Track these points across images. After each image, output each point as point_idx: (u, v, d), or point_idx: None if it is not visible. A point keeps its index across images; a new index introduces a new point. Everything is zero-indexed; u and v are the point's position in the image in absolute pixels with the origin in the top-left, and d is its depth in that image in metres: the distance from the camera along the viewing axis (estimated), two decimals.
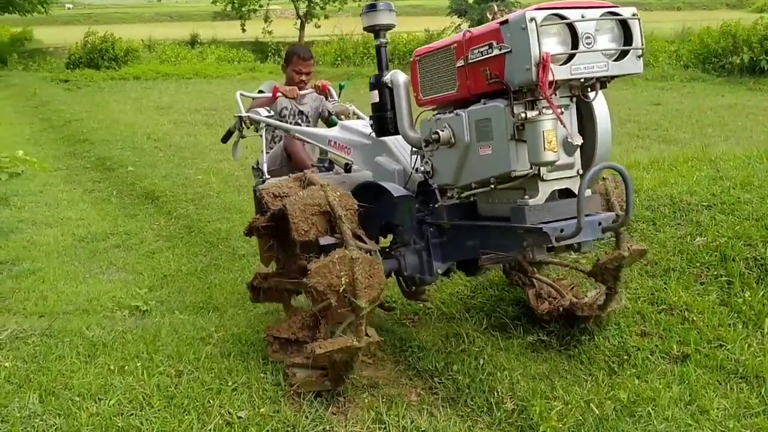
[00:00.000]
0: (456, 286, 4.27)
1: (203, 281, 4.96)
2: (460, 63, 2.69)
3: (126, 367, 3.34)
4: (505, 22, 2.48)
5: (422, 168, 3.02)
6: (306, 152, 4.53)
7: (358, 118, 4.36)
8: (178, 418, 2.92)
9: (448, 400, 3.16)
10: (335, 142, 3.82)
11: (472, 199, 2.99)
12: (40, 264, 5.32)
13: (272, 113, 4.30)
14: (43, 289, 4.74)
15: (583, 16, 2.47)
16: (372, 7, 3.30)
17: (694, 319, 3.60)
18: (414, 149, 3.18)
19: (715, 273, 3.90)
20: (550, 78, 2.37)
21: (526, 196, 2.65)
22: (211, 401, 3.04)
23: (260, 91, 4.70)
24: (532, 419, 2.95)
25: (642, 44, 2.60)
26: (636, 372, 3.27)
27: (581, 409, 2.99)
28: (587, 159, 2.72)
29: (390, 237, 3.43)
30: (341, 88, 4.74)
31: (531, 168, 2.58)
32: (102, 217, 6.84)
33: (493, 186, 2.71)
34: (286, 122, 4.66)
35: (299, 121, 4.76)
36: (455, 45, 2.73)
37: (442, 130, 2.79)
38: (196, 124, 12.15)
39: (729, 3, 42.91)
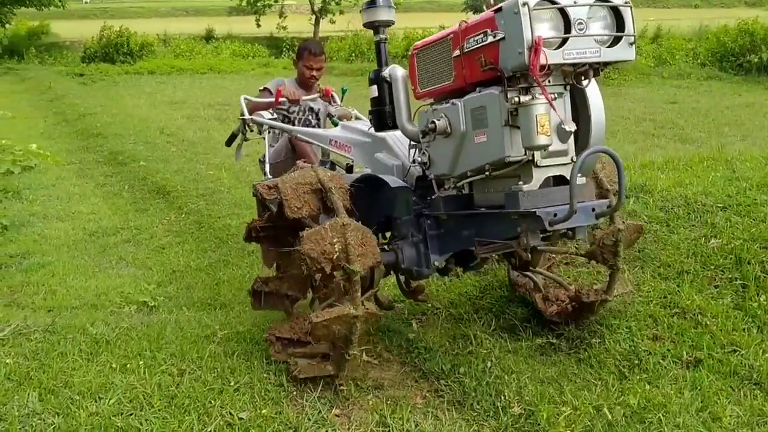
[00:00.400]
0: (465, 286, 4.21)
1: (212, 277, 4.93)
2: (457, 53, 2.74)
3: (128, 365, 3.31)
4: (500, 9, 2.54)
5: (419, 159, 3.06)
6: (311, 146, 4.51)
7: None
8: (179, 419, 2.88)
9: (454, 403, 3.10)
10: (336, 141, 3.85)
11: (468, 190, 3.02)
12: (50, 258, 5.32)
13: (275, 116, 4.35)
14: (52, 284, 4.74)
15: (575, 2, 2.52)
16: (372, 4, 3.35)
17: (708, 323, 3.52)
18: (412, 143, 3.21)
19: (730, 276, 3.82)
20: (543, 62, 2.42)
21: (520, 182, 2.68)
22: (212, 402, 3.00)
23: (264, 88, 4.68)
24: (539, 425, 2.89)
25: (634, 32, 2.63)
26: (647, 377, 3.20)
27: (590, 415, 2.93)
28: (581, 146, 2.74)
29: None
30: (344, 92, 4.74)
31: (525, 154, 2.62)
32: (113, 211, 6.83)
33: (488, 173, 2.74)
34: (296, 118, 4.64)
35: (309, 117, 4.73)
36: (452, 36, 2.78)
37: (439, 120, 2.83)
38: (209, 119, 12.15)
39: (747, 1, 42.45)
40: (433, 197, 3.17)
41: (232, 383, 3.14)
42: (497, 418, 2.97)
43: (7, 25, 24.86)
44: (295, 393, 3.08)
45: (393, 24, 3.46)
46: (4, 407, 2.96)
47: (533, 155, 2.63)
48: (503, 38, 2.51)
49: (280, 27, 25.87)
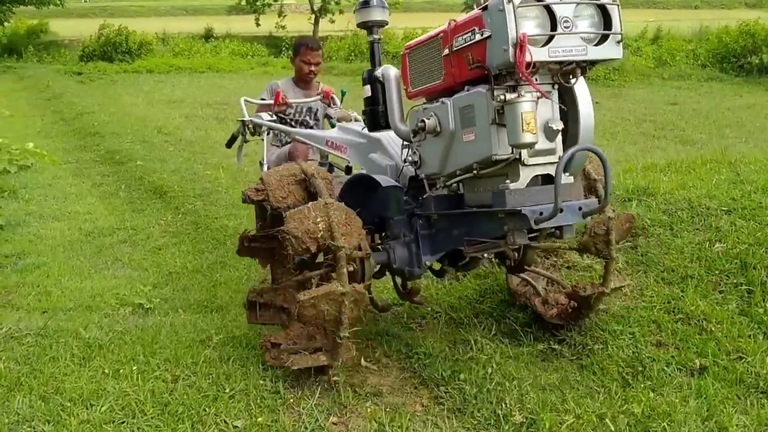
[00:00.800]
0: (465, 290, 4.15)
1: (208, 279, 4.87)
2: (446, 52, 2.75)
3: (121, 371, 3.22)
4: (486, 7, 2.54)
5: (410, 158, 3.07)
6: (306, 147, 4.49)
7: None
8: (172, 427, 2.81)
9: (454, 411, 3.03)
10: (332, 142, 3.87)
11: (459, 189, 3.03)
12: (45, 258, 5.26)
13: (274, 117, 4.36)
14: (47, 285, 4.67)
15: (561, 0, 2.53)
16: (365, 4, 3.42)
17: (713, 329, 3.46)
18: (404, 142, 3.21)
19: (735, 281, 3.76)
20: (528, 59, 2.42)
21: (508, 181, 2.69)
22: (206, 409, 2.92)
23: (262, 99, 4.67)
24: None
25: (621, 30, 2.63)
26: (651, 384, 3.13)
27: (593, 424, 2.86)
28: (570, 145, 2.73)
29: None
30: (343, 94, 4.71)
31: (512, 152, 2.62)
32: (109, 211, 6.77)
33: (476, 172, 2.75)
34: (294, 119, 4.61)
35: (307, 117, 4.69)
36: (441, 35, 2.79)
37: (428, 119, 2.84)
38: (207, 118, 12.07)
39: (748, 2, 42.37)
40: (424, 196, 3.17)
41: (227, 390, 3.07)
42: (498, 426, 2.90)
43: (5, 24, 24.76)
44: (291, 400, 3.01)
45: (387, 24, 3.53)
46: None
47: (520, 154, 2.64)
48: (489, 36, 2.52)
49: (280, 26, 25.75)
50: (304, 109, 4.71)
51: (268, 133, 4.29)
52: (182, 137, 10.29)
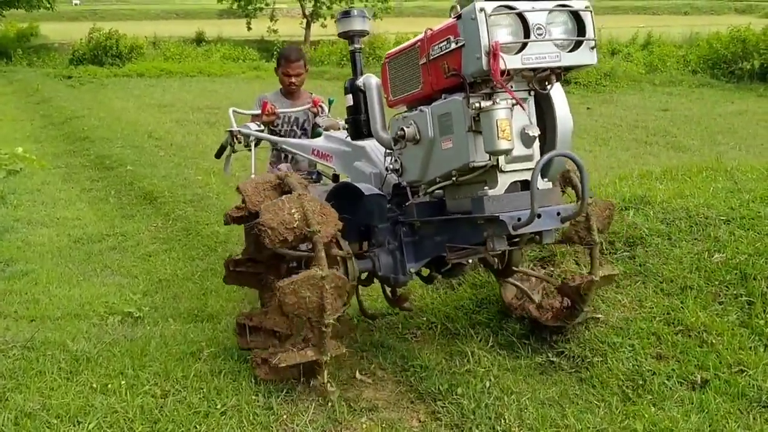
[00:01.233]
0: (461, 300, 4.09)
1: (199, 287, 4.81)
2: (423, 60, 2.79)
3: (109, 386, 3.12)
4: (460, 16, 2.58)
5: (392, 166, 3.09)
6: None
7: None
8: None
9: (452, 426, 2.97)
10: (318, 151, 3.89)
11: (440, 197, 3.06)
12: (33, 265, 5.19)
13: (262, 128, 4.33)
14: (35, 292, 4.61)
15: (533, 8, 2.56)
16: (346, 14, 3.52)
17: (713, 341, 3.39)
18: (387, 150, 3.23)
19: (735, 292, 3.69)
20: (502, 67, 2.46)
21: (486, 188, 2.72)
22: (197, 426, 2.84)
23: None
24: None
25: (594, 36, 2.66)
26: (652, 399, 3.07)
27: None
28: (547, 151, 2.74)
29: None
30: (330, 102, 4.65)
31: (489, 159, 2.65)
32: (99, 217, 6.70)
33: (455, 179, 2.78)
34: (280, 129, 4.55)
35: (294, 127, 4.63)
36: (419, 44, 2.82)
37: (408, 127, 2.87)
38: (198, 123, 11.99)
39: (738, 8, 42.58)
40: (406, 204, 3.19)
41: (218, 406, 2.98)
42: None
43: None
44: (285, 417, 2.93)
45: (367, 34, 3.61)
46: None
47: (497, 160, 2.67)
48: (464, 45, 2.55)
49: (271, 30, 25.68)
50: (291, 119, 4.66)
51: (256, 144, 4.26)
52: (173, 142, 10.20)
